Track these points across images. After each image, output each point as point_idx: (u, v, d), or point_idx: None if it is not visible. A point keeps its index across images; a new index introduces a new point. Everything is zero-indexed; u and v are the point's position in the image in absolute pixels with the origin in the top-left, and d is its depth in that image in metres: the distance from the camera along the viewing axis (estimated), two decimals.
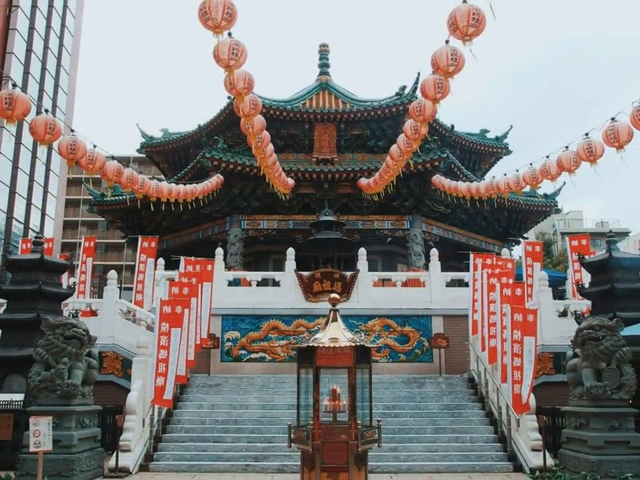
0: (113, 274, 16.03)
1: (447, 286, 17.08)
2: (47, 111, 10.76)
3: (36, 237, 14.11)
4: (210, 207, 20.54)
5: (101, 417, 11.71)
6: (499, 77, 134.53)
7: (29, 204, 38.05)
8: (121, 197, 22.92)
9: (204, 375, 15.06)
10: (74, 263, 22.49)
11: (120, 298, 16.03)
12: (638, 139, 10.42)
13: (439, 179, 19.58)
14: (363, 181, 19.89)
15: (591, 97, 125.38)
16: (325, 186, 21.17)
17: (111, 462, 10.73)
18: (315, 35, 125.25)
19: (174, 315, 11.94)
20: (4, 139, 33.79)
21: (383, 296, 16.74)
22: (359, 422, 6.97)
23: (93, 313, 15.57)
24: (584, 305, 14.57)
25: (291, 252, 17.23)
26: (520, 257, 20.63)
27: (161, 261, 18.55)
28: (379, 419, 7.59)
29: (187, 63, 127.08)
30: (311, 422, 6.95)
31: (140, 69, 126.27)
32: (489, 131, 27.26)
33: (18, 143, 36.18)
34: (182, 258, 15.87)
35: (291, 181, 19.28)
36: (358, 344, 7.00)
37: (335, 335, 7.03)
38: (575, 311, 13.98)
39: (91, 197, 24.85)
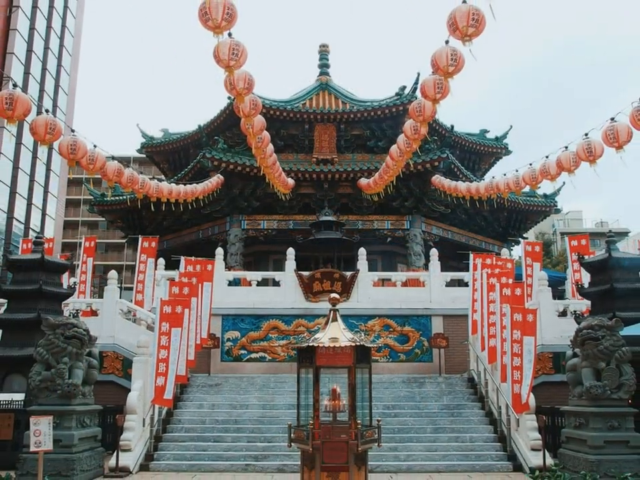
0: (113, 274, 16.06)
1: (446, 286, 17.10)
2: (47, 111, 10.76)
3: (36, 237, 14.13)
4: (210, 207, 20.57)
5: (101, 416, 11.73)
6: (499, 77, 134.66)
7: (29, 204, 38.08)
8: (121, 197, 22.94)
9: (204, 375, 15.08)
10: (74, 262, 22.55)
11: (120, 298, 16.05)
12: (637, 139, 10.45)
13: (438, 179, 19.61)
14: (363, 181, 19.92)
15: (591, 97, 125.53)
16: (324, 186, 21.19)
17: (112, 461, 10.75)
18: (315, 35, 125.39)
19: (174, 314, 11.96)
20: (4, 139, 33.81)
21: (382, 296, 16.76)
22: (358, 421, 6.99)
23: (94, 313, 15.59)
24: (583, 304, 14.59)
25: (291, 252, 17.25)
26: (519, 256, 20.67)
27: (161, 260, 18.57)
28: (379, 418, 7.61)
29: (187, 63, 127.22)
30: (311, 422, 6.96)
31: (140, 70, 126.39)
32: (488, 131, 27.30)
33: (18, 143, 36.22)
34: (182, 258, 15.88)
35: (291, 181, 19.30)
36: (358, 344, 7.02)
37: (335, 334, 7.05)
38: (575, 311, 13.99)
39: (92, 197, 24.87)
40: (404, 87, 22.84)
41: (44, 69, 39.83)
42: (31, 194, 38.30)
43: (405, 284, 17.47)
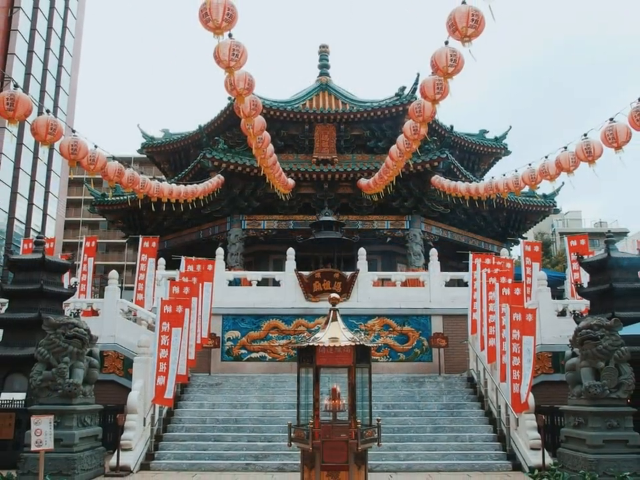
0: (114, 274, 16.10)
1: (446, 286, 17.13)
2: (48, 111, 10.78)
3: (37, 237, 14.15)
4: (210, 207, 20.60)
5: (102, 416, 11.78)
6: (499, 78, 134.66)
7: (30, 204, 38.10)
8: (121, 197, 22.97)
9: (204, 374, 15.12)
10: (75, 262, 22.61)
11: (121, 298, 16.10)
12: (636, 140, 10.48)
13: (438, 179, 19.64)
14: (363, 181, 19.95)
15: (591, 96, 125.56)
16: (324, 186, 21.22)
17: (112, 461, 10.78)
18: (315, 36, 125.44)
19: (175, 314, 11.99)
20: (5, 140, 33.82)
21: (382, 295, 16.80)
22: (358, 421, 7.02)
23: (94, 313, 15.63)
24: (582, 304, 14.62)
25: (291, 252, 17.28)
26: (519, 256, 20.69)
27: (162, 260, 18.61)
28: (379, 418, 7.64)
29: (187, 64, 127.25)
30: (311, 421, 6.99)
31: (141, 70, 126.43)
32: (488, 132, 27.33)
33: (19, 144, 36.24)
34: (183, 258, 15.91)
35: (291, 181, 19.34)
36: (358, 343, 7.05)
37: (335, 334, 7.08)
38: (574, 311, 14.03)
39: (92, 197, 24.91)
40: (404, 88, 22.87)
41: (45, 69, 39.84)
42: (32, 194, 38.32)
43: (404, 284, 17.51)
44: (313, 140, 23.08)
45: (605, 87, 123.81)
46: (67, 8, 43.56)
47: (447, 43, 8.82)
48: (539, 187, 15.67)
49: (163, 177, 27.66)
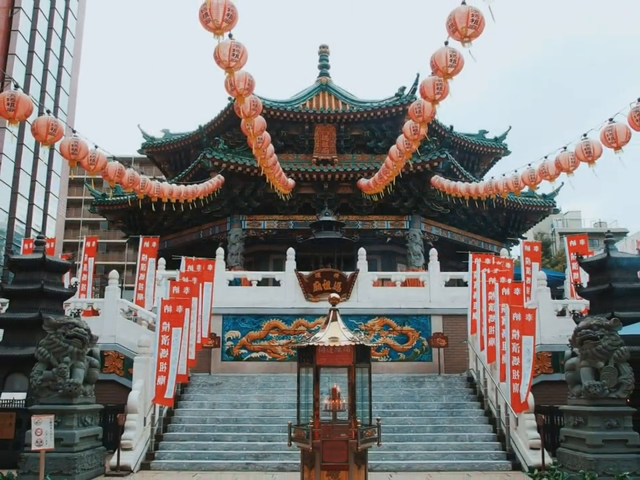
0: (114, 274, 16.12)
1: (446, 285, 17.14)
2: (48, 111, 10.80)
3: (38, 237, 14.18)
4: (211, 207, 20.62)
5: (102, 415, 11.80)
6: (499, 78, 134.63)
7: (30, 204, 38.11)
8: (122, 198, 22.98)
9: (205, 374, 15.14)
10: (75, 262, 22.58)
11: (121, 297, 16.12)
12: (636, 140, 10.49)
13: (438, 180, 19.66)
14: (363, 182, 19.96)
15: (591, 97, 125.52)
16: (324, 186, 21.24)
17: (113, 460, 10.81)
18: (315, 36, 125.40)
19: (175, 314, 12.01)
20: (6, 140, 33.82)
21: (382, 295, 16.81)
22: (358, 421, 7.03)
23: (95, 313, 15.65)
24: (582, 304, 14.64)
25: (291, 252, 17.30)
26: (518, 256, 20.70)
27: (162, 260, 18.63)
28: (379, 417, 7.66)
29: (187, 64, 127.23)
30: (311, 421, 7.01)
31: (141, 70, 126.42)
32: (487, 132, 27.35)
33: (20, 144, 36.26)
34: (183, 258, 15.92)
35: (291, 182, 19.35)
36: (358, 343, 7.07)
37: (335, 334, 7.09)
38: (573, 311, 14.04)
39: (93, 197, 24.93)
40: (403, 88, 22.88)
41: (45, 69, 39.85)
42: (33, 194, 38.33)
43: (404, 284, 17.53)
44: (313, 140, 23.10)
45: (605, 88, 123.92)
46: (67, 8, 43.58)
47: (446, 43, 8.83)
48: (538, 187, 15.72)
49: (163, 177, 27.67)
